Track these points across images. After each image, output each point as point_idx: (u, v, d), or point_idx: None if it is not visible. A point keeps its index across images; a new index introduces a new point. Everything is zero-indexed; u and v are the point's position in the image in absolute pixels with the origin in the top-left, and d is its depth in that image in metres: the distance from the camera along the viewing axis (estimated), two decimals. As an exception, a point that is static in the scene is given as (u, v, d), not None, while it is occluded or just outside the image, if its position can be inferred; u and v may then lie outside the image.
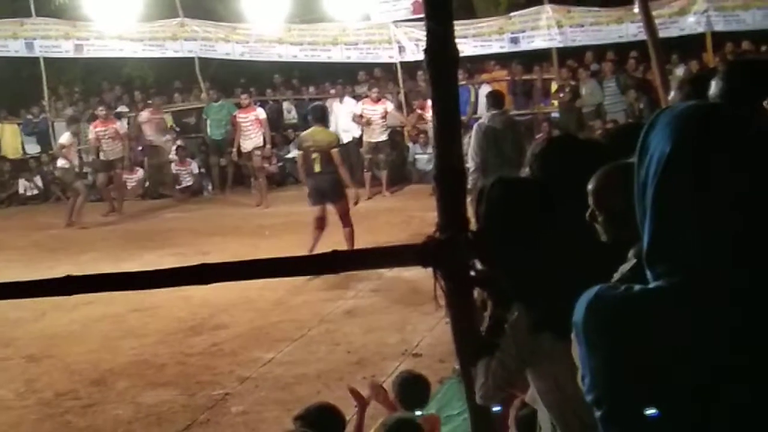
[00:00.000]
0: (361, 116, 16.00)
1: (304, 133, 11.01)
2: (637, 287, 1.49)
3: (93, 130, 15.79)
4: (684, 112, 1.49)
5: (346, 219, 10.37)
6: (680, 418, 1.44)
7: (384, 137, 16.13)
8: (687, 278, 1.42)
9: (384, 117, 16.03)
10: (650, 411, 2.50)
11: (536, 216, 2.71)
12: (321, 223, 10.32)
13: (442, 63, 2.62)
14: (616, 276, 2.19)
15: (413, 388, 4.83)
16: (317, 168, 10.27)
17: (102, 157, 15.89)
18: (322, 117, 11.13)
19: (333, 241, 11.02)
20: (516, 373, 2.71)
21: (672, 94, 3.88)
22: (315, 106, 11.83)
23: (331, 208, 10.43)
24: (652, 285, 1.48)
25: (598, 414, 1.51)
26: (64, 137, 15.35)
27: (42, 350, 8.12)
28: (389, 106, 16.18)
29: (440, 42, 2.61)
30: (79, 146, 16.06)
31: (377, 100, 15.99)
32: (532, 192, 2.82)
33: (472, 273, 2.74)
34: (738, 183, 1.40)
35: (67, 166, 15.07)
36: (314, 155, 10.28)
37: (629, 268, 2.09)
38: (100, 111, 16.10)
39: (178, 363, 7.50)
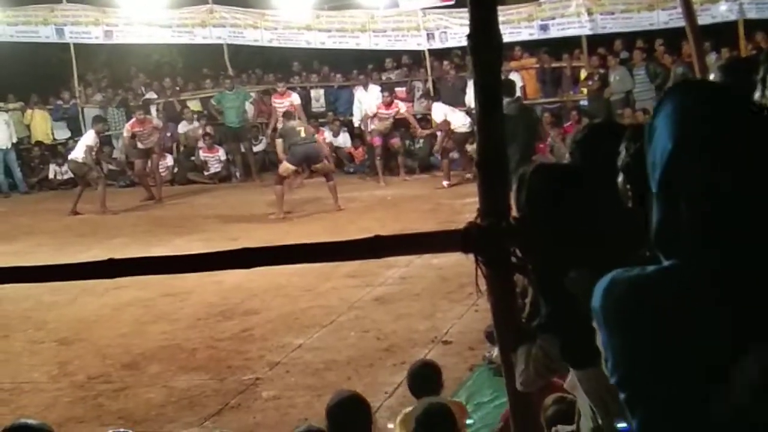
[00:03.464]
0: (374, 116, 16.11)
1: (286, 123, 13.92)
2: (649, 268, 1.54)
3: (130, 130, 15.78)
4: (687, 108, 1.53)
5: (330, 174, 13.57)
6: (691, 398, 1.47)
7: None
8: (687, 260, 1.49)
9: (394, 118, 16.24)
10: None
11: (576, 202, 2.70)
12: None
13: (485, 49, 2.61)
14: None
15: (424, 377, 4.79)
16: (303, 135, 13.18)
17: (140, 146, 15.98)
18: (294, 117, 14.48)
19: (360, 226, 11.10)
20: (558, 360, 2.71)
21: (712, 76, 3.87)
22: (291, 113, 14.83)
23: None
24: (663, 265, 1.53)
25: (622, 396, 1.55)
26: (90, 138, 15.32)
27: (74, 334, 8.21)
28: (402, 107, 16.24)
29: (484, 28, 2.60)
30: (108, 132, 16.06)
31: (389, 104, 16.09)
32: (572, 178, 2.81)
33: (513, 259, 2.73)
34: (719, 175, 1.46)
35: (80, 160, 15.11)
36: (299, 129, 13.27)
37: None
38: (139, 115, 16.04)
39: (209, 348, 7.55)
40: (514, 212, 2.81)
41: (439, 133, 15.84)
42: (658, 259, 1.59)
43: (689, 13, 5.51)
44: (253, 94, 18.27)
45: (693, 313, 1.46)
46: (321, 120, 17.63)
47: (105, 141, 17.91)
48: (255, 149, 17.95)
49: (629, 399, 1.53)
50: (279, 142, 13.65)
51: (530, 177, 2.81)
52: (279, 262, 3.01)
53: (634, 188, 2.30)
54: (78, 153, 15.19)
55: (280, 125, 16.12)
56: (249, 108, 17.97)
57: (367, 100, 16.94)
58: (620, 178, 2.33)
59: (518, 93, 14.27)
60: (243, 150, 17.76)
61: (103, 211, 14.76)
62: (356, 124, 17.43)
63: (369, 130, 16.23)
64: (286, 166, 13.31)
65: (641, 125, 2.52)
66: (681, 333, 1.47)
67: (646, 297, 1.51)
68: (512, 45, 16.76)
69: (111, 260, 2.90)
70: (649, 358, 1.49)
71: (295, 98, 16.78)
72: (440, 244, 3.10)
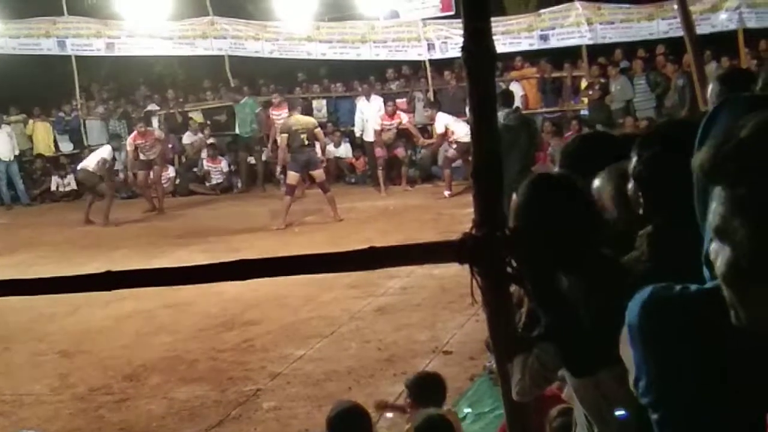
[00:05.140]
0: (381, 131, 16.18)
1: (289, 118, 13.89)
2: (693, 287, 1.46)
3: (132, 143, 15.74)
4: (746, 110, 1.45)
5: (325, 186, 13.65)
6: (732, 423, 1.41)
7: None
8: None
9: (398, 128, 16.32)
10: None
11: (569, 211, 2.70)
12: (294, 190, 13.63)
13: (479, 60, 2.62)
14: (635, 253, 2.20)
15: (429, 387, 4.83)
16: (306, 142, 13.18)
17: (142, 157, 16.00)
18: (295, 107, 14.67)
19: (361, 237, 11.12)
20: (554, 370, 2.72)
21: (710, 86, 3.90)
22: (294, 100, 15.43)
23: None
24: (710, 285, 1.44)
25: (654, 417, 1.47)
26: (106, 151, 15.41)
27: (75, 345, 8.21)
28: (404, 118, 16.30)
29: (478, 39, 2.61)
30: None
31: (392, 115, 16.15)
32: (565, 187, 2.81)
33: (509, 270, 2.73)
34: None
35: (90, 169, 15.18)
36: (302, 135, 13.14)
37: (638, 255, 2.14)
38: (140, 128, 15.97)
39: (209, 359, 7.55)
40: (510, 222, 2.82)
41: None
42: (661, 270, 1.55)
43: (687, 22, 5.55)
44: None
45: (744, 337, 1.36)
46: (323, 130, 17.63)
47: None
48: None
49: (662, 420, 1.46)
50: (284, 137, 13.47)
51: (526, 186, 2.83)
52: (275, 273, 3.02)
53: (646, 196, 2.31)
54: (90, 162, 15.27)
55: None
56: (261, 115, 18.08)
57: (368, 110, 16.97)
58: (630, 186, 2.33)
59: (518, 103, 14.33)
60: (253, 160, 17.86)
61: (105, 223, 14.79)
62: (357, 134, 17.46)
63: (375, 140, 16.28)
64: (291, 175, 13.38)
65: (650, 134, 2.53)
66: (728, 357, 1.39)
67: (691, 317, 1.43)
68: (513, 55, 16.83)
69: (109, 272, 2.91)
70: (689, 381, 1.42)
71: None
72: (436, 255, 3.11)
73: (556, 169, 3.44)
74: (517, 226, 2.74)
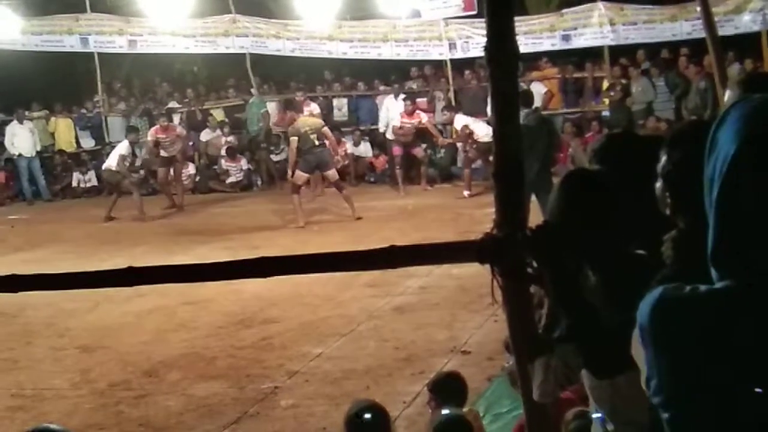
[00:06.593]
0: (401, 128, 16.15)
1: (297, 121, 13.62)
2: (703, 287, 1.46)
3: (154, 135, 15.84)
4: (753, 111, 1.45)
5: (340, 185, 13.76)
6: (747, 421, 1.40)
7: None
8: (753, 279, 1.39)
9: (418, 127, 16.28)
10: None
11: (600, 209, 2.69)
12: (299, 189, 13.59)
13: (502, 59, 2.62)
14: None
15: (450, 388, 4.83)
16: (317, 142, 13.14)
17: (163, 154, 16.07)
18: (301, 109, 15.29)
19: (380, 236, 11.11)
20: (578, 370, 2.70)
21: (728, 92, 3.88)
22: (296, 102, 15.74)
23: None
24: (718, 285, 1.45)
25: (665, 416, 1.48)
26: (123, 147, 15.48)
27: (96, 341, 8.26)
28: (424, 117, 16.27)
29: (501, 38, 2.61)
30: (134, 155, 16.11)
31: (411, 114, 16.12)
32: (596, 185, 2.80)
33: (529, 270, 2.72)
34: None
35: (113, 168, 15.28)
36: (312, 135, 13.09)
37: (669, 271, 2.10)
38: (163, 122, 16.15)
39: (228, 356, 7.57)
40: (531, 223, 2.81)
41: (459, 144, 15.87)
42: (685, 273, 1.55)
43: (709, 24, 5.51)
44: (268, 104, 18.42)
45: (753, 338, 1.38)
46: (344, 129, 17.63)
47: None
48: (277, 158, 18.01)
49: (673, 420, 1.47)
50: (293, 140, 13.32)
51: (562, 182, 2.81)
52: (295, 271, 3.02)
53: (673, 196, 2.29)
54: (112, 161, 15.39)
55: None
56: (266, 116, 18.13)
57: (394, 108, 16.93)
58: (659, 185, 2.31)
59: (541, 99, 14.31)
60: (263, 158, 17.95)
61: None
62: (381, 130, 17.38)
63: (394, 138, 16.28)
64: (299, 175, 13.36)
65: (680, 133, 2.51)
66: (738, 357, 1.39)
67: (700, 318, 1.43)
68: (535, 55, 16.77)
69: (130, 268, 2.93)
70: (700, 381, 1.42)
71: (314, 108, 16.92)
72: (456, 255, 3.11)
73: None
74: (548, 223, 2.72)
